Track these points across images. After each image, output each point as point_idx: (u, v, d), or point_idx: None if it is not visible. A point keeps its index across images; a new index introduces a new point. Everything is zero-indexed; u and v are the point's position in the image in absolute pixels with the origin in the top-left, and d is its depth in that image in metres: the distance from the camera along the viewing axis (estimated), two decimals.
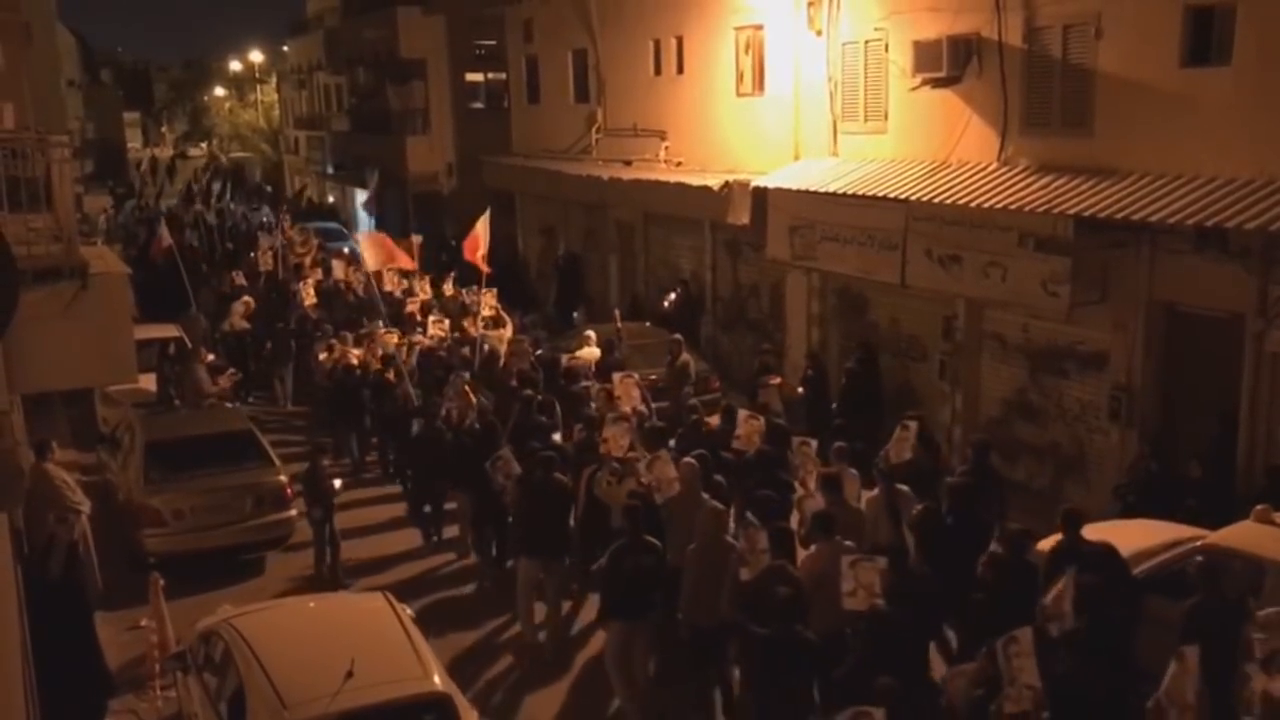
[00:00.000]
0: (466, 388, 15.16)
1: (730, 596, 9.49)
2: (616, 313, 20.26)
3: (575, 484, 12.19)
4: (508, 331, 19.36)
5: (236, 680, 8.51)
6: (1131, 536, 10.74)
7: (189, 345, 19.62)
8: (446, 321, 19.64)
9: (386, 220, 36.58)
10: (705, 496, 10.67)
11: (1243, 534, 9.73)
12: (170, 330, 20.76)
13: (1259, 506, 9.93)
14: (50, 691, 9.00)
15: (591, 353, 17.49)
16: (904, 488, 11.19)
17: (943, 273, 14.94)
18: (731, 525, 10.58)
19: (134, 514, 13.67)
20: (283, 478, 14.19)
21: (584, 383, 16.05)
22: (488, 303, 19.68)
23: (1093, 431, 14.41)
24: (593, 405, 14.72)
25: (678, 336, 17.94)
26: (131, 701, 10.72)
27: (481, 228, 19.22)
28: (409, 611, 9.62)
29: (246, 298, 22.93)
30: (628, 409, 13.77)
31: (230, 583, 13.22)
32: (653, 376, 16.81)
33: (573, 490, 12.09)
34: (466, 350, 18.18)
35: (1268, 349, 12.02)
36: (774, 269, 19.45)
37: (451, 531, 14.58)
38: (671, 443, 12.55)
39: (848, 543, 9.77)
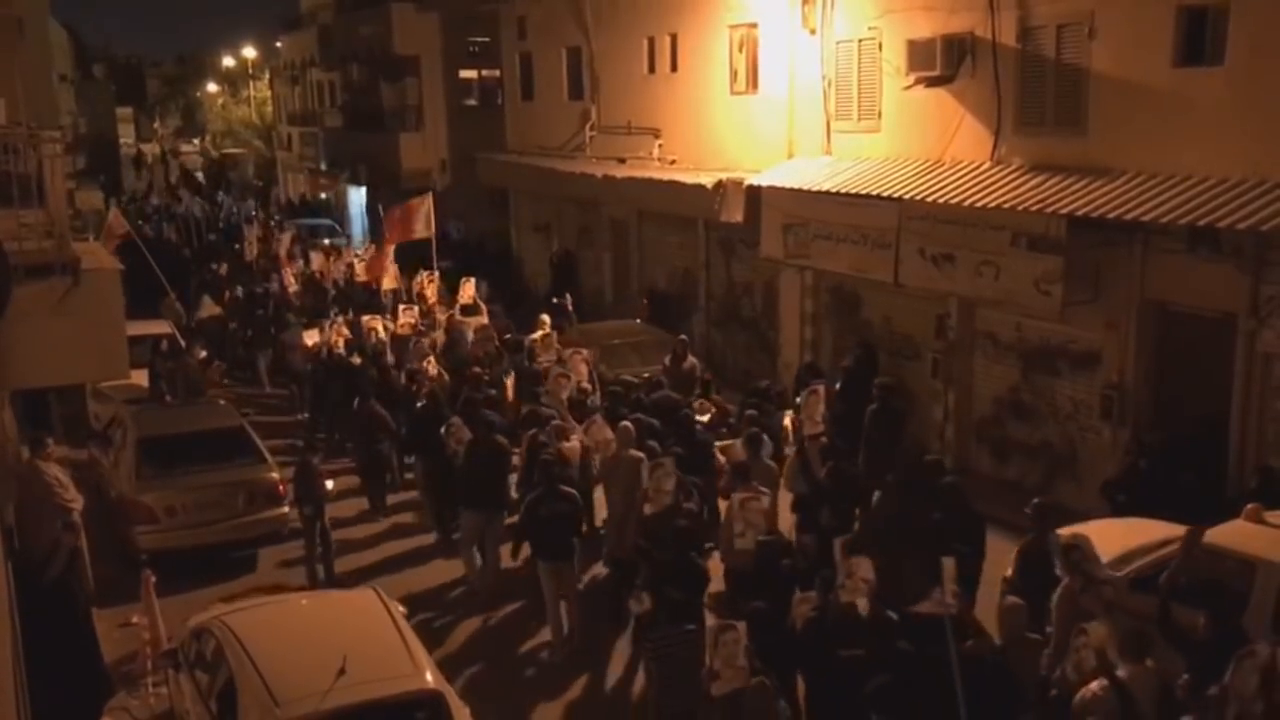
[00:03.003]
0: (430, 359, 16.65)
1: (637, 527, 11.05)
2: (568, 297, 22.02)
3: (517, 447, 13.62)
4: (482, 319, 20.60)
5: (228, 677, 8.50)
6: (1122, 535, 10.78)
7: (182, 342, 19.67)
8: (415, 309, 20.63)
9: (378, 217, 36.69)
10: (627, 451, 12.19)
11: (1234, 533, 9.75)
12: (163, 326, 20.81)
13: (1250, 505, 9.95)
14: (47, 692, 8.98)
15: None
16: (823, 439, 12.48)
17: (936, 271, 14.97)
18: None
19: (126, 510, 13.65)
20: (275, 474, 14.17)
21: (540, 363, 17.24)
22: (466, 292, 21.24)
23: (1085, 430, 14.44)
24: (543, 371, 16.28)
25: (683, 337, 17.92)
26: (123, 698, 10.69)
27: (420, 212, 20.08)
28: (401, 608, 9.63)
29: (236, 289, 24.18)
30: (574, 383, 15.36)
31: (222, 579, 13.18)
32: (645, 374, 16.80)
33: (511, 452, 13.44)
34: (439, 334, 19.28)
35: (1259, 349, 12.06)
36: (768, 267, 19.47)
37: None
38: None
39: (763, 488, 10.92)
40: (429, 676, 8.44)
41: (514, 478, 13.62)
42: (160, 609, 10.75)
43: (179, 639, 9.90)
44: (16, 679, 8.41)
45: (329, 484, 13.71)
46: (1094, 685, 7.43)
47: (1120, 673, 7.51)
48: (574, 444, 13.21)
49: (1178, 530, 10.51)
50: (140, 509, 13.44)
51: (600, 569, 12.90)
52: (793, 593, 9.34)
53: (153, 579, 10.85)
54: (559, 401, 14.68)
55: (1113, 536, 10.75)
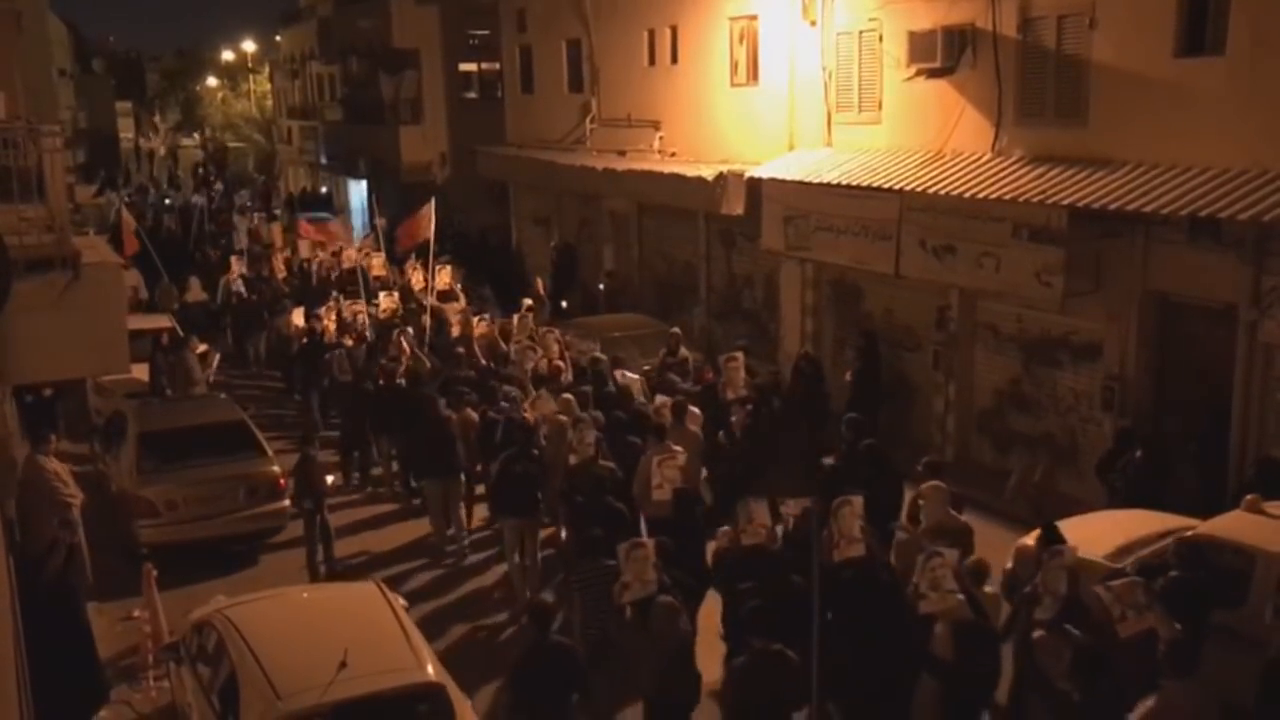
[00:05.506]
0: (403, 342, 17.46)
1: (562, 475, 12.40)
2: (539, 281, 23.10)
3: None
4: (459, 304, 21.29)
5: (230, 671, 8.51)
6: (1123, 526, 10.80)
7: (181, 334, 19.73)
8: (396, 295, 21.35)
9: (384, 211, 36.79)
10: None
11: (1233, 523, 9.77)
12: (163, 321, 20.84)
13: (1249, 496, 9.97)
14: (44, 691, 8.98)
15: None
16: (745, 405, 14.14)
17: (936, 263, 14.95)
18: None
19: (127, 505, 13.66)
20: (276, 468, 14.19)
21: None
22: (442, 278, 22.06)
23: (1086, 421, 14.44)
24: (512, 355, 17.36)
25: (676, 330, 17.94)
26: (125, 692, 10.71)
27: (425, 217, 20.67)
28: (401, 601, 9.64)
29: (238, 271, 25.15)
30: (540, 357, 16.40)
31: (223, 573, 13.21)
32: (645, 367, 16.82)
33: (472, 424, 14.27)
34: (426, 318, 19.86)
35: (1260, 339, 12.05)
36: (768, 259, 19.45)
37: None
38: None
39: (676, 447, 11.96)
40: (430, 669, 8.44)
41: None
42: (161, 603, 10.76)
43: (180, 633, 9.92)
44: (19, 674, 8.42)
45: (329, 479, 13.74)
46: (950, 600, 8.66)
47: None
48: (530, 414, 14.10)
49: (1177, 521, 10.57)
50: (141, 503, 13.45)
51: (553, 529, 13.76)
52: (703, 534, 10.76)
53: (154, 573, 10.86)
54: (523, 373, 15.86)
55: (1112, 528, 10.78)
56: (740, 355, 15.25)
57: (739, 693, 8.41)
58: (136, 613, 11.08)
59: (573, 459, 12.21)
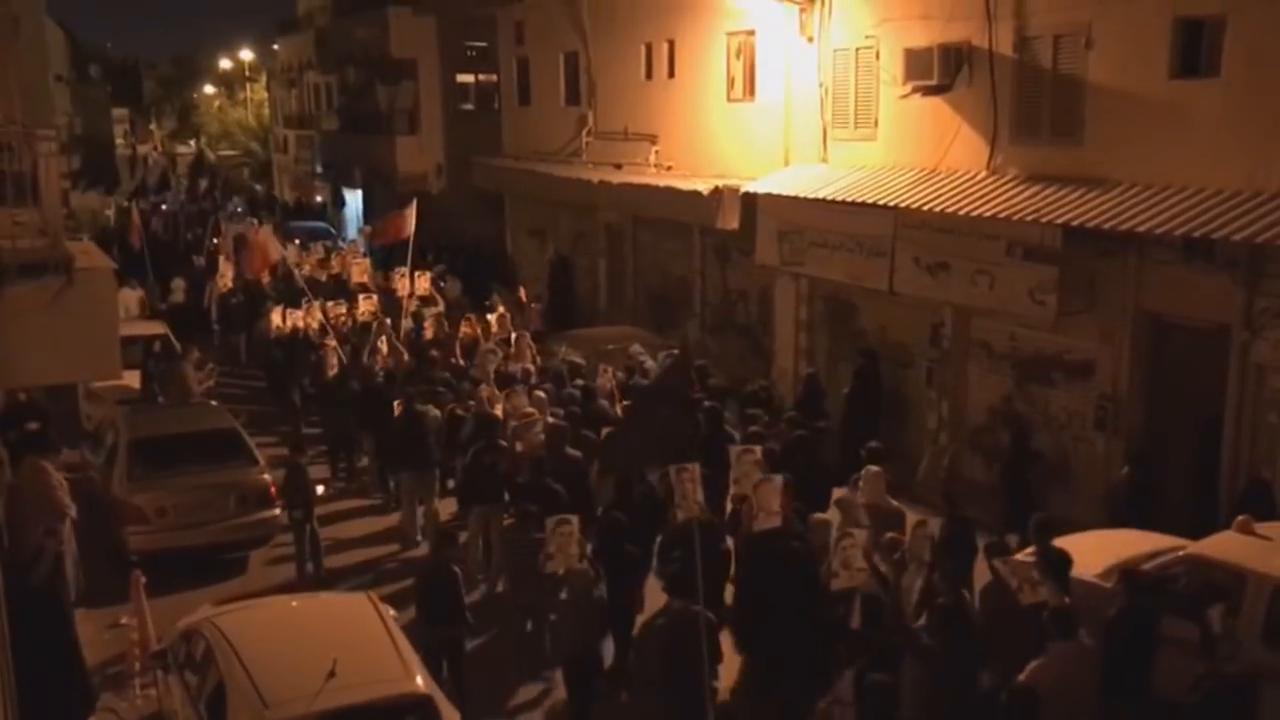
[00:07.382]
0: (381, 342, 18.31)
1: (512, 461, 13.44)
2: (521, 290, 23.99)
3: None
4: (439, 308, 21.89)
5: (217, 679, 8.48)
6: (1115, 546, 10.80)
7: (175, 343, 19.72)
8: (374, 298, 21.91)
9: (375, 219, 36.83)
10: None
11: (1224, 544, 9.78)
12: (156, 327, 20.80)
13: (1240, 517, 9.98)
14: (29, 699, 8.92)
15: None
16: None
17: (930, 280, 14.97)
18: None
19: (117, 511, 13.59)
20: (267, 476, 14.15)
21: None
22: (421, 284, 22.68)
23: (1078, 440, 14.44)
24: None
25: (660, 343, 18.07)
26: (111, 700, 10.66)
27: (405, 216, 21.36)
28: (391, 611, 9.62)
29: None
30: (501, 358, 17.56)
31: (212, 581, 13.16)
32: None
33: (441, 419, 15.14)
34: (406, 321, 20.63)
35: (1253, 360, 12.08)
36: (763, 274, 19.46)
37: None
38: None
39: None
40: (419, 680, 8.43)
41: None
42: (150, 610, 10.71)
43: (168, 640, 9.87)
44: (5, 680, 8.37)
45: (319, 488, 13.71)
46: (859, 578, 9.52)
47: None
48: (497, 410, 14.83)
49: (1168, 541, 10.58)
50: (131, 510, 13.40)
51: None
52: (647, 513, 11.51)
53: (142, 580, 10.81)
54: (485, 374, 16.76)
55: (1103, 548, 10.79)
56: (679, 352, 15.89)
57: (659, 652, 9.06)
58: (124, 620, 11.05)
59: (519, 446, 13.48)
